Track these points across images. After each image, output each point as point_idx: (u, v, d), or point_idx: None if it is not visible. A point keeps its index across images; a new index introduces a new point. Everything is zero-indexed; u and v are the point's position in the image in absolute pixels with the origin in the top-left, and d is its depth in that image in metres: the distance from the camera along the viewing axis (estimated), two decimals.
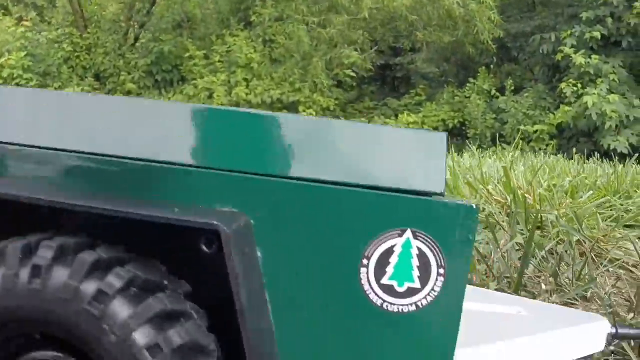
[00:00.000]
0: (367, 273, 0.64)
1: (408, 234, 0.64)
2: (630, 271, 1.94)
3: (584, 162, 4.91)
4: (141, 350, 0.55)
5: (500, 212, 2.31)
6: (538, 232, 2.19)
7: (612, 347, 1.10)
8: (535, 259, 1.84)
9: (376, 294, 0.64)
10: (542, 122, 7.93)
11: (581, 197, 2.69)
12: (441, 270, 0.64)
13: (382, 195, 0.64)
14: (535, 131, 7.81)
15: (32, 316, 0.59)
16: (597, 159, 5.57)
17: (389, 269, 0.64)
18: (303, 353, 0.65)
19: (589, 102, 7.56)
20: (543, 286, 1.53)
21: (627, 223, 2.44)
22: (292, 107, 8.06)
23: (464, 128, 8.19)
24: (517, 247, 1.92)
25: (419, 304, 0.65)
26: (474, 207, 0.64)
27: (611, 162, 5.21)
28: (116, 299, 0.57)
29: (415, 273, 0.64)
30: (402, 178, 0.65)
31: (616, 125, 7.74)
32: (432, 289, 0.64)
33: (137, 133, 0.67)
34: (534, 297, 1.52)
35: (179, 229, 0.60)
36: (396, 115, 8.32)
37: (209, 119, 0.67)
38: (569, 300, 1.57)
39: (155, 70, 8.62)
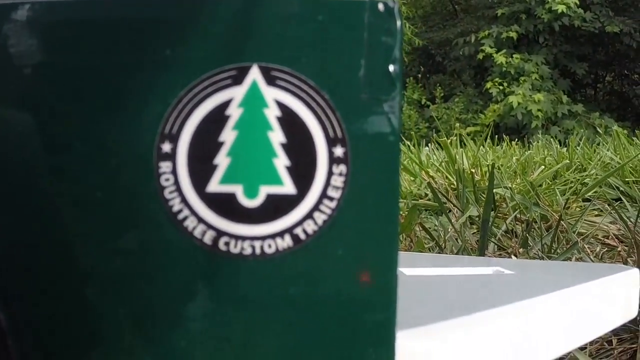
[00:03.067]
0: (175, 173, 0.28)
1: (254, 74, 0.28)
2: (609, 245, 1.63)
3: (526, 149, 4.70)
4: None
5: (446, 195, 1.99)
6: (491, 212, 1.87)
7: None
8: (495, 237, 1.51)
9: (199, 218, 0.28)
10: (475, 124, 7.82)
11: (532, 174, 2.42)
12: (338, 152, 0.29)
13: None
14: (469, 134, 7.67)
15: None
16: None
17: (222, 160, 0.28)
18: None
19: (514, 103, 7.51)
20: (514, 258, 1.19)
21: (587, 196, 2.16)
22: None
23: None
24: (470, 227, 1.59)
25: (297, 233, 0.29)
26: (390, 3, 0.29)
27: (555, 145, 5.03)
28: None
29: (281, 163, 0.29)
30: None
31: (542, 124, 7.71)
32: (324, 197, 0.29)
33: None
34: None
35: None
36: None
37: None
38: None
39: None
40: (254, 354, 0.28)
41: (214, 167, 0.28)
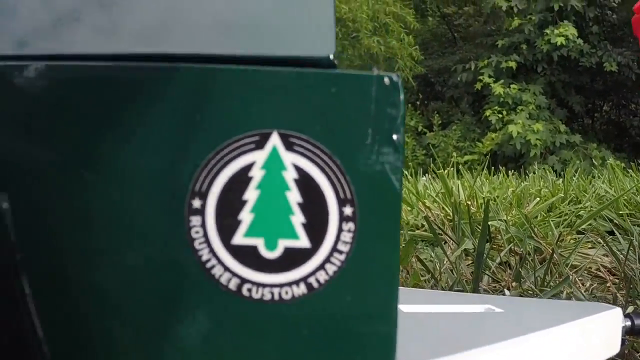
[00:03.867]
0: (204, 226, 0.32)
1: (274, 140, 0.33)
2: (600, 277, 1.67)
3: (523, 180, 4.74)
4: None
5: (442, 227, 2.03)
6: (487, 244, 1.91)
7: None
8: (489, 269, 1.55)
9: (225, 267, 0.32)
10: (472, 152, 7.87)
11: (527, 206, 2.46)
12: (347, 211, 0.33)
13: (216, 70, 0.33)
14: (466, 162, 7.72)
15: None
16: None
17: (245, 216, 0.32)
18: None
19: (513, 132, 7.57)
20: (507, 292, 1.23)
21: (580, 228, 2.19)
22: None
23: None
24: (465, 258, 1.63)
25: (311, 282, 0.33)
26: (395, 78, 0.33)
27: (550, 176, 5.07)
28: None
29: (298, 220, 0.33)
30: (261, 38, 0.34)
31: (541, 153, 7.76)
32: (335, 251, 0.33)
33: None
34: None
35: None
36: None
37: None
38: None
39: None
40: None
41: (238, 222, 0.32)
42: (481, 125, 8.31)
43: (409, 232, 1.92)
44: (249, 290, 0.32)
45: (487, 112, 7.86)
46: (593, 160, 7.28)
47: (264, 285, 0.32)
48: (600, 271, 1.66)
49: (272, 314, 0.32)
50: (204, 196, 0.32)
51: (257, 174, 0.32)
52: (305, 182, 0.33)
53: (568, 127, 8.12)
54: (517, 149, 7.56)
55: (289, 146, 0.33)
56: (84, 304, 0.33)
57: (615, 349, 0.55)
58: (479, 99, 8.68)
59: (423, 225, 2.10)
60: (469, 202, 2.01)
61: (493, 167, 7.29)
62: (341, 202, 0.33)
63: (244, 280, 0.32)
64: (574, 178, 3.02)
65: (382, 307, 0.33)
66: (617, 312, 0.57)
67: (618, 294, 1.19)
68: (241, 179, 0.32)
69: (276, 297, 0.32)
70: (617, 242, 1.81)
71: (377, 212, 0.33)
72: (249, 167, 0.32)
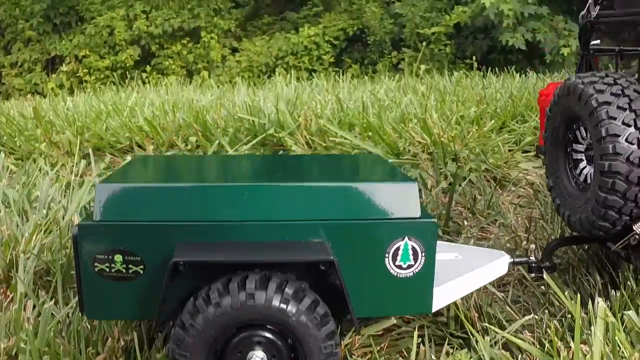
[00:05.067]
0: (389, 259, 1.31)
1: (406, 239, 1.31)
2: (531, 189, 2.71)
3: (484, 75, 5.69)
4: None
5: (422, 152, 3.03)
6: (454, 163, 2.93)
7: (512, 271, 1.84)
8: (460, 186, 2.57)
9: (393, 269, 1.31)
10: (439, 24, 8.46)
11: (485, 125, 3.43)
12: (423, 254, 1.32)
13: (394, 222, 1.30)
14: (433, 33, 8.35)
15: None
16: (496, 68, 6.36)
17: (398, 256, 1.31)
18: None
19: (486, 3, 8.13)
20: (465, 222, 2.26)
21: (525, 148, 3.21)
22: (195, 34, 8.40)
23: (364, 35, 8.64)
24: (443, 192, 2.65)
25: (413, 271, 1.32)
26: (435, 221, 1.31)
27: (509, 71, 6.00)
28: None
29: (411, 256, 1.31)
30: (402, 211, 1.31)
31: (512, 23, 8.37)
32: (419, 263, 1.32)
33: None
34: (460, 227, 2.25)
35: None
36: (297, 29, 8.67)
37: None
38: (486, 226, 2.31)
39: (52, 15, 8.65)
40: None
41: (397, 257, 1.32)
42: None
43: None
44: (397, 274, 1.33)
45: None
46: (557, 31, 8.03)
47: (402, 273, 1.33)
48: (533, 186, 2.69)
49: (403, 280, 1.33)
50: (388, 252, 1.32)
51: (402, 246, 1.32)
52: (412, 248, 1.32)
53: None
54: (490, 19, 8.15)
55: (409, 239, 1.31)
56: None
57: (503, 273, 1.57)
58: None
59: (409, 150, 3.09)
60: (443, 138, 2.99)
61: (463, 38, 7.88)
62: (421, 252, 1.32)
63: (397, 272, 1.32)
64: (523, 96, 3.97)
65: (427, 278, 1.34)
66: (506, 256, 1.59)
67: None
68: (398, 247, 1.31)
69: (405, 276, 1.33)
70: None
71: (430, 255, 1.33)
72: (400, 245, 1.31)
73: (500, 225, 2.29)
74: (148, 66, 8.32)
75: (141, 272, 1.30)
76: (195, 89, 5.99)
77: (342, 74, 7.34)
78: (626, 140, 1.41)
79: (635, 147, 1.41)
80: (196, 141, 3.55)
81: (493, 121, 3.43)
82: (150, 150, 3.32)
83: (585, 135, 1.61)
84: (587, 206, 1.51)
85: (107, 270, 1.30)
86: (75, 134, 3.65)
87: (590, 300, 1.63)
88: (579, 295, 1.48)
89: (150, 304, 1.30)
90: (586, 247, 1.93)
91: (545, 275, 1.62)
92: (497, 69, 6.71)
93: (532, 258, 1.69)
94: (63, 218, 2.25)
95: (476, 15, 8.40)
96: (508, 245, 2.10)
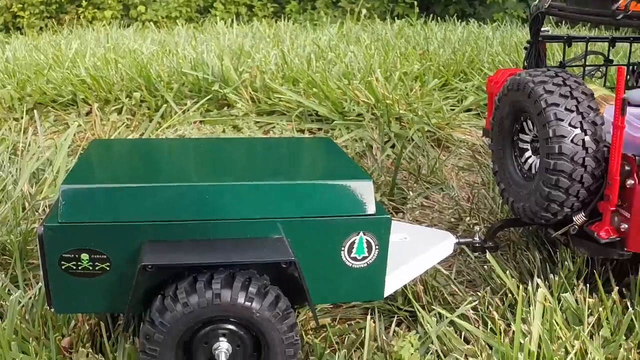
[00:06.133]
0: (344, 252, 1.40)
1: (361, 234, 1.39)
2: (472, 150, 2.82)
3: (425, 22, 5.72)
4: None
5: (367, 111, 3.10)
6: (399, 125, 3.02)
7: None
8: (405, 148, 2.67)
9: (348, 261, 1.40)
10: None
11: (428, 83, 3.52)
12: (376, 247, 1.41)
13: (351, 218, 1.38)
14: None
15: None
16: (435, 10, 6.39)
17: (354, 249, 1.40)
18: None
19: None
20: (411, 193, 2.36)
21: (467, 108, 3.31)
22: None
23: None
24: (388, 157, 2.74)
25: (367, 262, 1.42)
26: (389, 217, 1.40)
27: (450, 16, 6.06)
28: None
29: (365, 249, 1.40)
30: (358, 208, 1.39)
31: None
32: (373, 255, 1.41)
33: None
34: (405, 197, 2.36)
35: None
36: None
37: None
38: (432, 193, 2.42)
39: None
40: None
41: (353, 250, 1.40)
42: None
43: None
44: (353, 265, 1.42)
45: None
46: None
47: (357, 264, 1.42)
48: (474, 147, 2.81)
49: (357, 271, 1.42)
50: (344, 245, 1.40)
51: (357, 240, 1.40)
52: (367, 242, 1.41)
53: None
54: None
55: (364, 234, 1.40)
56: None
57: (449, 254, 1.69)
58: None
59: (354, 109, 3.15)
60: (387, 100, 3.06)
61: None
62: (375, 246, 1.41)
63: (352, 263, 1.41)
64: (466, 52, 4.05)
65: (380, 268, 1.44)
66: (452, 237, 1.71)
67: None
68: (353, 241, 1.40)
69: (359, 267, 1.42)
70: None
71: (383, 248, 1.42)
72: (355, 239, 1.40)
73: (444, 195, 2.40)
74: (84, 0, 8.01)
75: (107, 268, 1.35)
76: (135, 35, 5.83)
77: (282, 9, 7.23)
78: (571, 141, 1.51)
79: (580, 147, 1.51)
80: (140, 96, 3.52)
81: (437, 80, 3.51)
82: (95, 109, 3.27)
83: (531, 127, 1.70)
84: (531, 197, 1.63)
85: (74, 267, 1.34)
86: (17, 87, 3.56)
87: (529, 277, 1.77)
88: (518, 277, 1.60)
89: (117, 298, 1.36)
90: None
91: (487, 255, 1.75)
92: (437, 14, 6.76)
93: (477, 238, 1.82)
94: (14, 189, 2.25)
95: None
96: (453, 219, 2.23)
